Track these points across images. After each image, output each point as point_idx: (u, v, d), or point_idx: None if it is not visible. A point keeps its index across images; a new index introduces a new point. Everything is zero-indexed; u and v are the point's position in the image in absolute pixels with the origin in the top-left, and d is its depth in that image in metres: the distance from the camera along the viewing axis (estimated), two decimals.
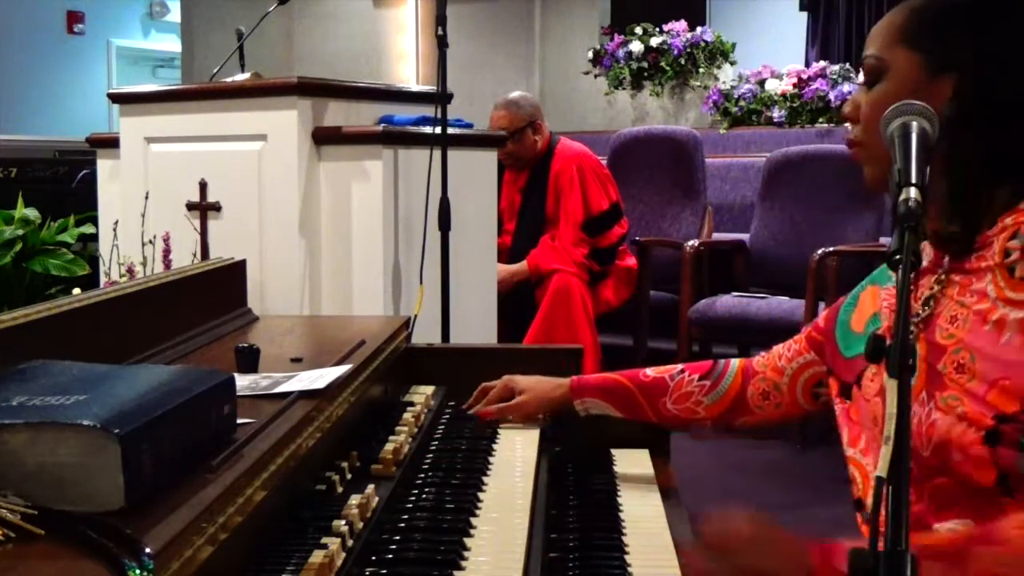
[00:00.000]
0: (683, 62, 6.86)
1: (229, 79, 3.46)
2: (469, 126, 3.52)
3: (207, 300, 1.84)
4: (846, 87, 6.03)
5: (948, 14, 1.30)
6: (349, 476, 1.34)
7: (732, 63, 6.91)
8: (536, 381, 1.79)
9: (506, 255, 4.54)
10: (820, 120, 6.16)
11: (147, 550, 0.82)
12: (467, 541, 1.23)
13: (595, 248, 4.57)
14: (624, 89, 7.07)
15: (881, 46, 1.32)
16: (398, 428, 1.57)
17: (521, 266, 4.52)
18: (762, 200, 5.04)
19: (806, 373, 1.52)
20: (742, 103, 6.47)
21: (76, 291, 3.03)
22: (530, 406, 1.78)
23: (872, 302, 1.41)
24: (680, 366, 1.65)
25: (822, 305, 4.18)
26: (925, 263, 1.32)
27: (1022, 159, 1.25)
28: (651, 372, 1.65)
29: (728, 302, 4.60)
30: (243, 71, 3.67)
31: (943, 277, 1.27)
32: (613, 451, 1.78)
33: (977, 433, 1.15)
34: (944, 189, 1.25)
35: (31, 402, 0.97)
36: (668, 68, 6.87)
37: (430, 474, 1.49)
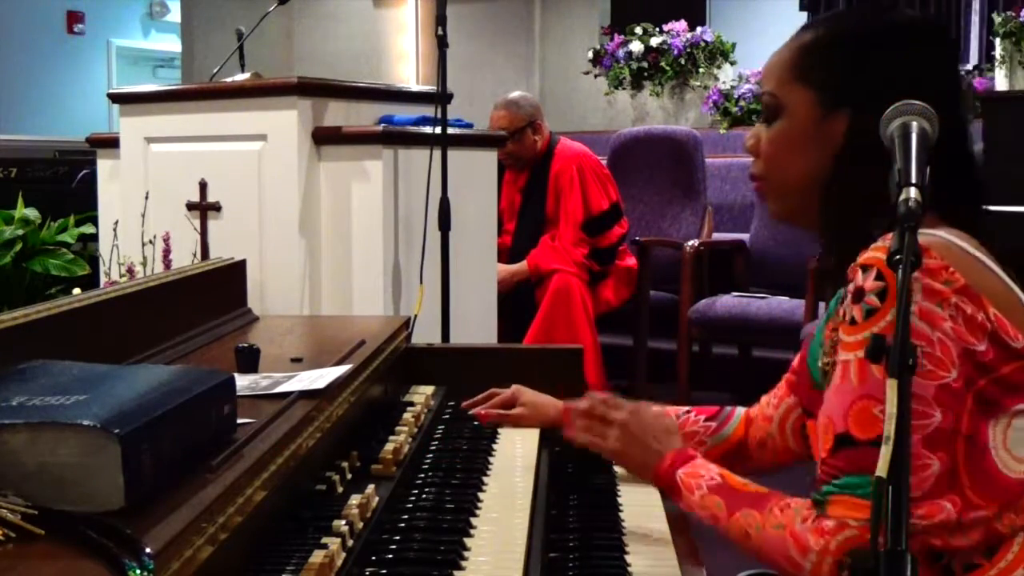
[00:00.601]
0: (683, 62, 6.86)
1: (229, 79, 3.46)
2: (469, 126, 3.52)
3: (207, 300, 1.84)
4: None
5: (836, 51, 1.32)
6: (349, 476, 1.34)
7: (732, 63, 6.91)
8: (543, 401, 1.80)
9: (506, 255, 4.54)
10: None
11: (147, 550, 0.82)
12: (467, 541, 1.23)
13: (595, 248, 4.58)
14: (624, 89, 7.07)
15: (776, 84, 1.35)
16: (398, 428, 1.57)
17: (521, 266, 4.52)
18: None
19: (792, 417, 1.51)
20: (742, 103, 6.47)
21: (76, 291, 3.03)
22: (528, 421, 1.78)
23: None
24: (687, 407, 1.64)
25: (822, 305, 4.18)
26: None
27: (939, 191, 1.25)
28: (656, 409, 1.64)
29: (728, 302, 4.60)
30: (243, 71, 3.67)
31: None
32: None
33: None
34: (827, 223, 1.31)
35: (31, 402, 0.97)
36: (668, 68, 6.87)
37: (430, 474, 1.49)
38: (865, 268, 1.18)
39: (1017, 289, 1.22)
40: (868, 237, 1.21)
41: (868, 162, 1.23)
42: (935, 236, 1.19)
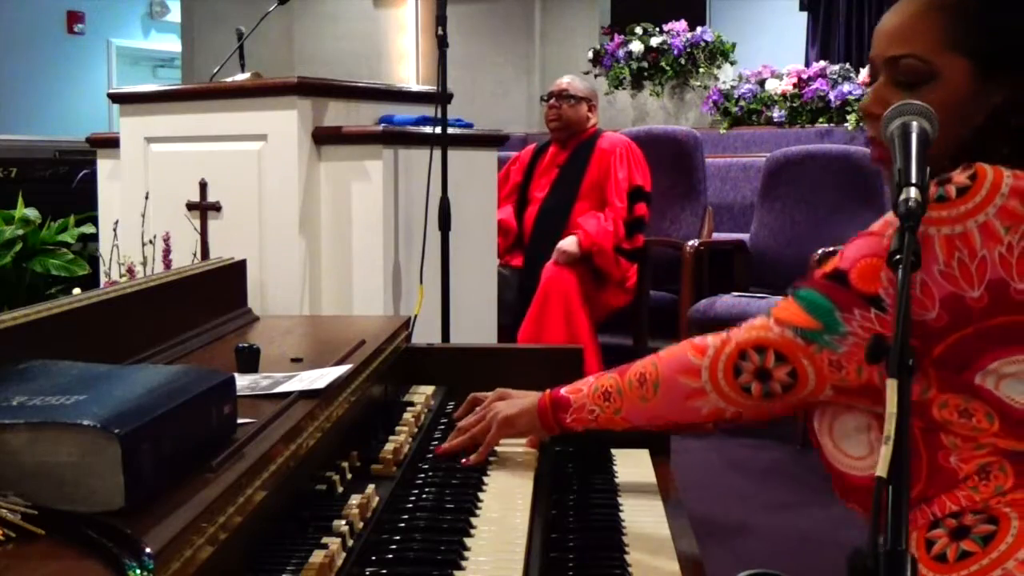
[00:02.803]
0: (683, 62, 6.86)
1: (229, 79, 3.46)
2: (469, 126, 3.52)
3: (207, 300, 1.84)
4: (846, 87, 6.03)
5: (996, 18, 1.28)
6: (349, 476, 1.34)
7: (732, 63, 6.91)
8: (529, 399, 1.76)
9: (531, 223, 4.73)
10: (820, 120, 6.15)
11: (147, 550, 0.82)
12: (467, 541, 1.23)
13: (628, 219, 4.63)
14: (624, 89, 7.07)
15: (926, 48, 1.28)
16: (398, 428, 1.57)
17: (572, 243, 4.53)
18: (762, 200, 5.04)
19: None
20: (742, 103, 6.47)
21: (76, 291, 3.03)
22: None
23: None
24: None
25: None
26: None
27: None
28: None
29: (728, 302, 4.60)
30: (243, 71, 3.67)
31: None
32: (613, 451, 1.78)
33: None
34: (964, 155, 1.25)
35: (31, 402, 0.97)
36: (668, 68, 6.88)
37: (430, 474, 1.49)
38: (968, 166, 1.17)
39: None
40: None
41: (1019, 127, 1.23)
42: None
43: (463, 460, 1.53)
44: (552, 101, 4.83)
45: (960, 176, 1.17)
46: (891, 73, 1.31)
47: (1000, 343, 1.16)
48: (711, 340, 1.27)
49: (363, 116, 3.27)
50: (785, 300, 1.23)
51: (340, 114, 3.21)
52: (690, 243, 4.79)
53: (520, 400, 1.57)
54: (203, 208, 3.24)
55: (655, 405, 1.34)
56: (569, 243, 4.52)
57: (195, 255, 3.20)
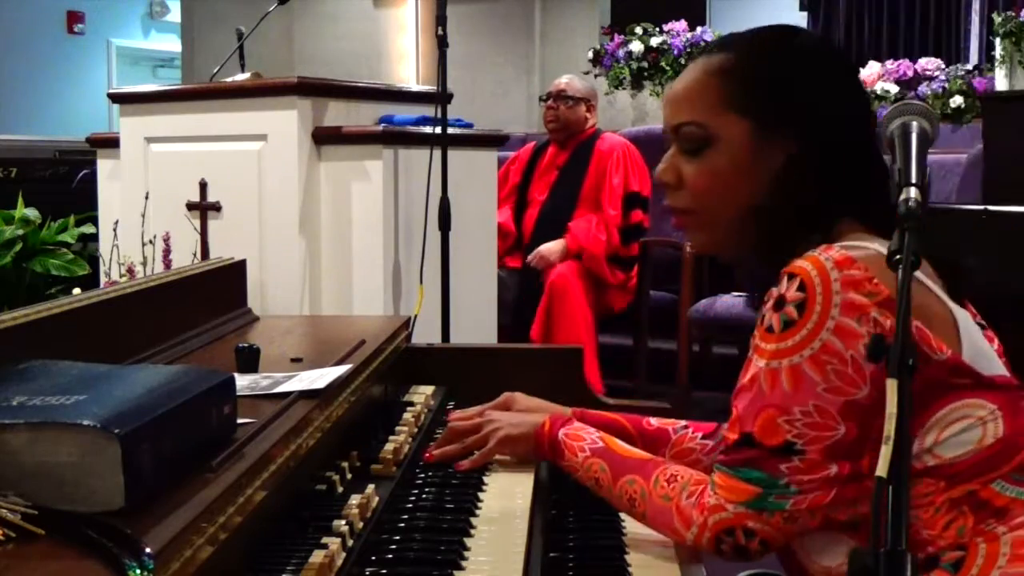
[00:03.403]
0: (683, 62, 6.85)
1: (229, 79, 3.46)
2: (469, 126, 3.52)
3: (207, 300, 1.84)
4: None
5: (771, 78, 1.30)
6: (349, 476, 1.34)
7: None
8: (537, 405, 1.72)
9: (531, 225, 4.71)
10: None
11: (147, 550, 0.82)
12: (467, 541, 1.23)
13: (623, 226, 4.62)
14: (624, 89, 7.07)
15: (701, 114, 1.30)
16: (398, 428, 1.57)
17: (560, 244, 4.53)
18: None
19: None
20: None
21: (76, 291, 3.03)
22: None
23: None
24: (684, 422, 1.64)
25: None
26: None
27: (860, 201, 1.27)
28: (655, 422, 1.63)
29: (728, 302, 4.60)
30: (243, 71, 3.67)
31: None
32: None
33: None
34: (763, 247, 1.29)
35: (31, 402, 0.97)
36: (668, 68, 6.87)
37: (430, 474, 1.49)
38: (791, 276, 1.19)
39: (948, 300, 1.23)
40: (803, 246, 1.23)
41: (810, 181, 1.26)
42: (864, 248, 1.19)
43: (457, 464, 1.53)
44: (550, 102, 4.82)
45: (791, 292, 1.18)
46: (678, 141, 1.33)
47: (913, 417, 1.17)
48: (695, 516, 1.25)
49: (363, 116, 3.27)
50: (722, 476, 1.23)
51: (340, 114, 3.21)
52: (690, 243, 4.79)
53: (523, 421, 1.55)
54: (203, 208, 3.24)
55: (645, 523, 1.35)
56: (549, 248, 4.52)
57: (195, 255, 3.20)
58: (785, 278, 1.19)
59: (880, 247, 1.19)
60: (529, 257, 4.54)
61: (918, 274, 1.19)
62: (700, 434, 1.60)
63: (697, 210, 1.33)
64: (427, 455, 1.56)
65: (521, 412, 1.62)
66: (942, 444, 1.17)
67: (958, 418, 1.17)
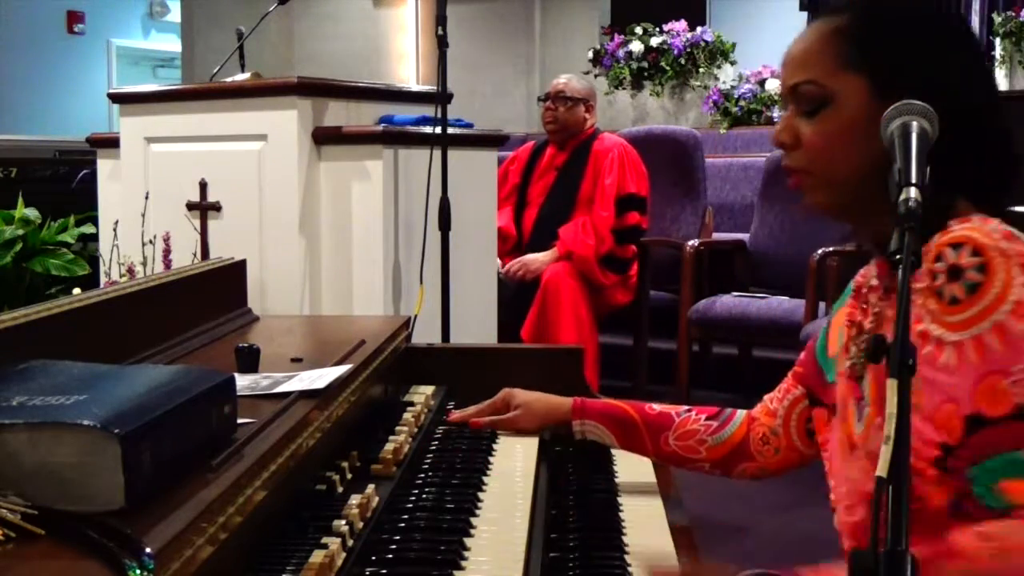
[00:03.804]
0: (683, 62, 6.86)
1: (229, 79, 3.46)
2: (469, 126, 3.52)
3: (207, 300, 1.84)
4: None
5: (886, 36, 1.28)
6: (349, 476, 1.34)
7: (732, 63, 6.91)
8: (535, 398, 1.74)
9: (530, 227, 4.70)
10: None
11: (147, 550, 0.82)
12: (467, 541, 1.23)
13: (618, 227, 4.60)
14: (624, 89, 7.07)
15: (819, 73, 1.29)
16: (398, 428, 1.57)
17: (552, 254, 4.53)
18: (762, 200, 5.04)
19: (797, 409, 1.50)
20: (742, 103, 6.47)
21: (76, 291, 3.03)
22: (524, 421, 1.73)
23: (837, 324, 1.41)
24: (687, 406, 1.64)
25: (823, 305, 4.19)
26: (874, 281, 1.32)
27: (976, 176, 1.25)
28: (657, 407, 1.63)
29: (728, 302, 4.60)
30: (243, 71, 3.67)
31: (886, 295, 1.27)
32: (613, 451, 1.78)
33: (927, 460, 1.14)
34: (879, 201, 1.22)
35: (31, 402, 0.97)
36: (668, 68, 6.88)
37: (430, 474, 1.49)
38: (956, 246, 1.16)
39: None
40: (944, 213, 1.20)
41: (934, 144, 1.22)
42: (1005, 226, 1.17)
43: (472, 421, 1.71)
44: (548, 103, 4.81)
45: (964, 259, 1.14)
46: (795, 101, 1.32)
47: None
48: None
49: (363, 116, 3.27)
50: (1009, 487, 1.12)
51: (340, 114, 3.21)
52: (690, 243, 4.79)
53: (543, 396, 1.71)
54: (203, 208, 3.24)
55: None
56: (534, 257, 4.51)
57: (195, 255, 3.20)
58: (948, 249, 1.16)
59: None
60: (510, 264, 4.52)
61: None
62: (704, 416, 1.60)
63: (813, 170, 1.31)
64: (450, 415, 1.75)
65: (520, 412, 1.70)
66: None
67: None
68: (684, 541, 1.41)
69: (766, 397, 1.57)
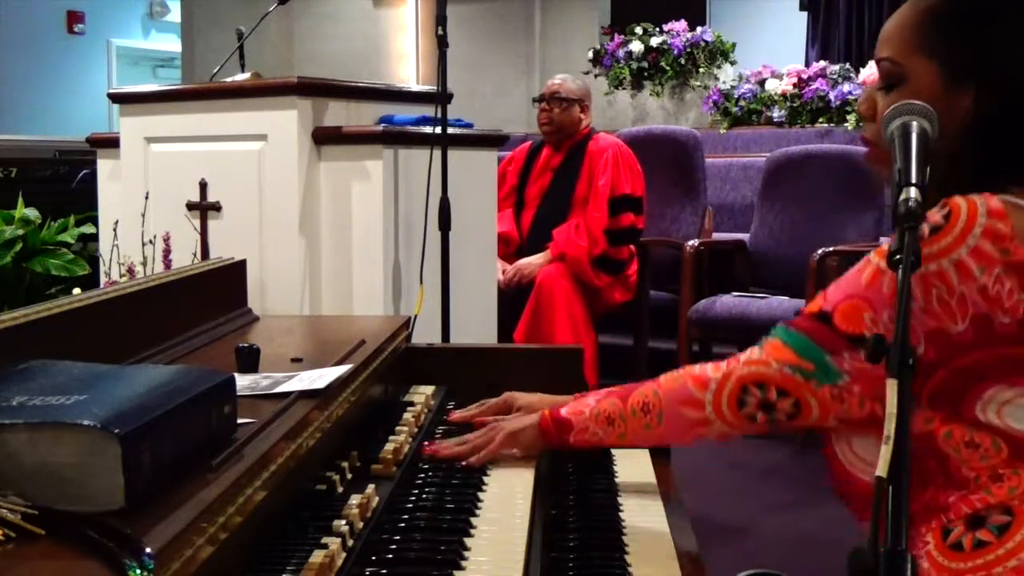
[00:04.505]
0: (683, 62, 6.86)
1: (229, 79, 3.46)
2: (469, 126, 3.52)
3: (207, 300, 1.84)
4: (846, 87, 6.03)
5: (960, 25, 1.30)
6: (349, 476, 1.34)
7: (732, 63, 6.92)
8: (538, 399, 1.72)
9: (527, 230, 4.70)
10: (820, 120, 6.16)
11: (147, 550, 0.82)
12: (467, 541, 1.23)
13: (611, 228, 4.59)
14: (624, 89, 7.08)
15: (898, 51, 1.33)
16: (398, 428, 1.57)
17: (544, 256, 4.53)
18: (762, 200, 5.04)
19: None
20: (742, 103, 6.48)
21: (76, 291, 3.03)
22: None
23: None
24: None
25: None
26: None
27: (1011, 172, 1.26)
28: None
29: (728, 302, 4.60)
30: (243, 71, 3.67)
31: None
32: (613, 451, 1.78)
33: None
34: (938, 185, 1.26)
35: (31, 402, 0.97)
36: (668, 68, 6.88)
37: (430, 474, 1.49)
38: (944, 204, 1.20)
39: None
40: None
41: (992, 137, 1.26)
42: (1020, 204, 1.19)
43: (463, 463, 1.53)
44: (544, 104, 4.80)
45: (935, 215, 1.19)
46: (879, 75, 1.36)
47: (992, 374, 1.19)
48: (711, 373, 1.31)
49: (363, 116, 3.27)
50: (774, 339, 1.26)
51: (340, 114, 3.21)
52: (690, 243, 4.79)
53: (525, 418, 1.59)
54: (203, 208, 3.24)
55: (660, 432, 1.39)
56: (528, 261, 4.51)
57: (195, 255, 3.20)
58: (939, 205, 1.20)
59: None
60: (507, 270, 4.51)
61: None
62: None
63: (879, 144, 1.33)
64: (428, 447, 1.56)
65: (512, 413, 1.65)
66: (1008, 408, 1.19)
67: None
68: (684, 540, 1.40)
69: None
